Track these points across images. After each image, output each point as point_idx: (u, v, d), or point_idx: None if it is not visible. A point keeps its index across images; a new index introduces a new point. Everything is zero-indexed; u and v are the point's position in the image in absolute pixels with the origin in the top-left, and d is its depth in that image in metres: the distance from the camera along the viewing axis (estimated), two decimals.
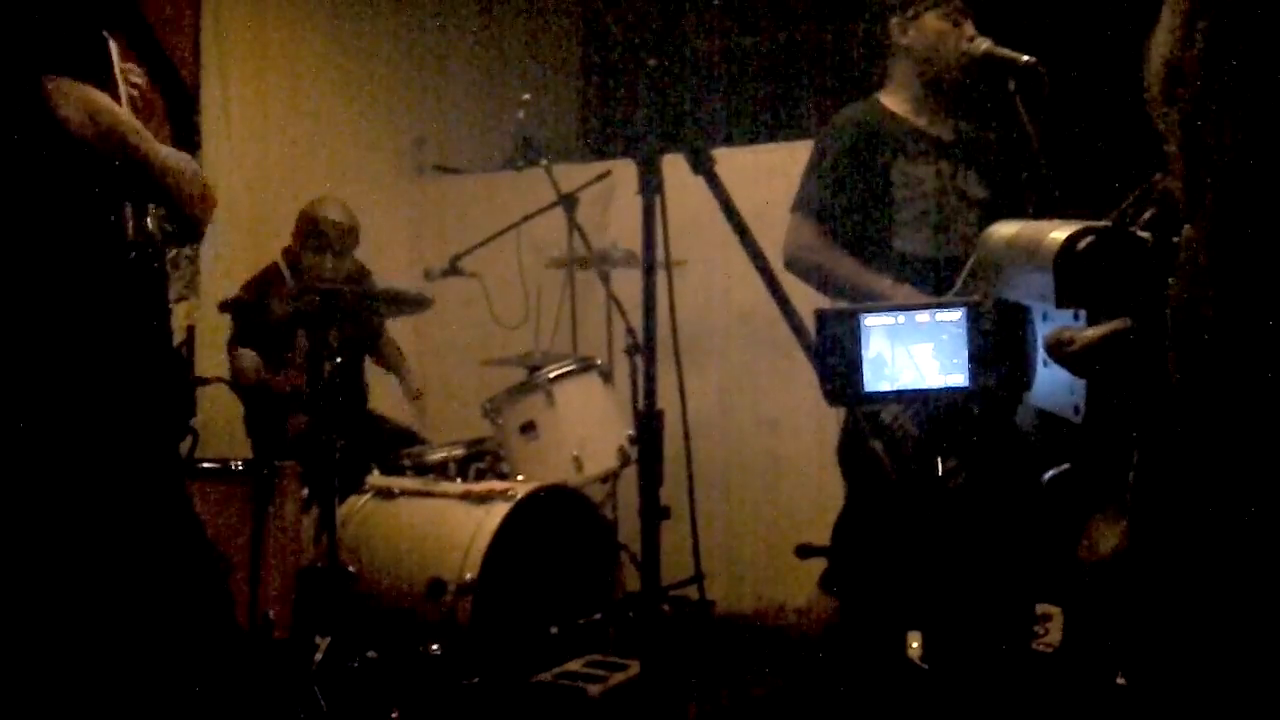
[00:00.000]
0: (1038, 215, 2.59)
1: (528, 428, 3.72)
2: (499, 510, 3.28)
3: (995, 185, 2.80)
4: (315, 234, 3.87)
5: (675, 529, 1.90)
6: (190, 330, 3.84)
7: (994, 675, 2.94)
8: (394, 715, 2.98)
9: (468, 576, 3.15)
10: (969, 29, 2.68)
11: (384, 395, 4.36)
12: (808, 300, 2.37)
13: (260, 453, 3.73)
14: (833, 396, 0.68)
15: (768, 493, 4.59)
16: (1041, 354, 0.70)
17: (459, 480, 3.58)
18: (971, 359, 0.70)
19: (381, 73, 5.09)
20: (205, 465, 3.04)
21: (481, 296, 4.49)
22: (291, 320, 3.63)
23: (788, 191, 2.82)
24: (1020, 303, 0.74)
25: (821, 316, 0.70)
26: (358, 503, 3.49)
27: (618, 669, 3.22)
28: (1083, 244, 0.65)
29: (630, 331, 4.03)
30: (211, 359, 3.84)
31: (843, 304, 3.00)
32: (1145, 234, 0.79)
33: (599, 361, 3.93)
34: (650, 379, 1.80)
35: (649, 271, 1.77)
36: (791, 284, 1.88)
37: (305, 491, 3.30)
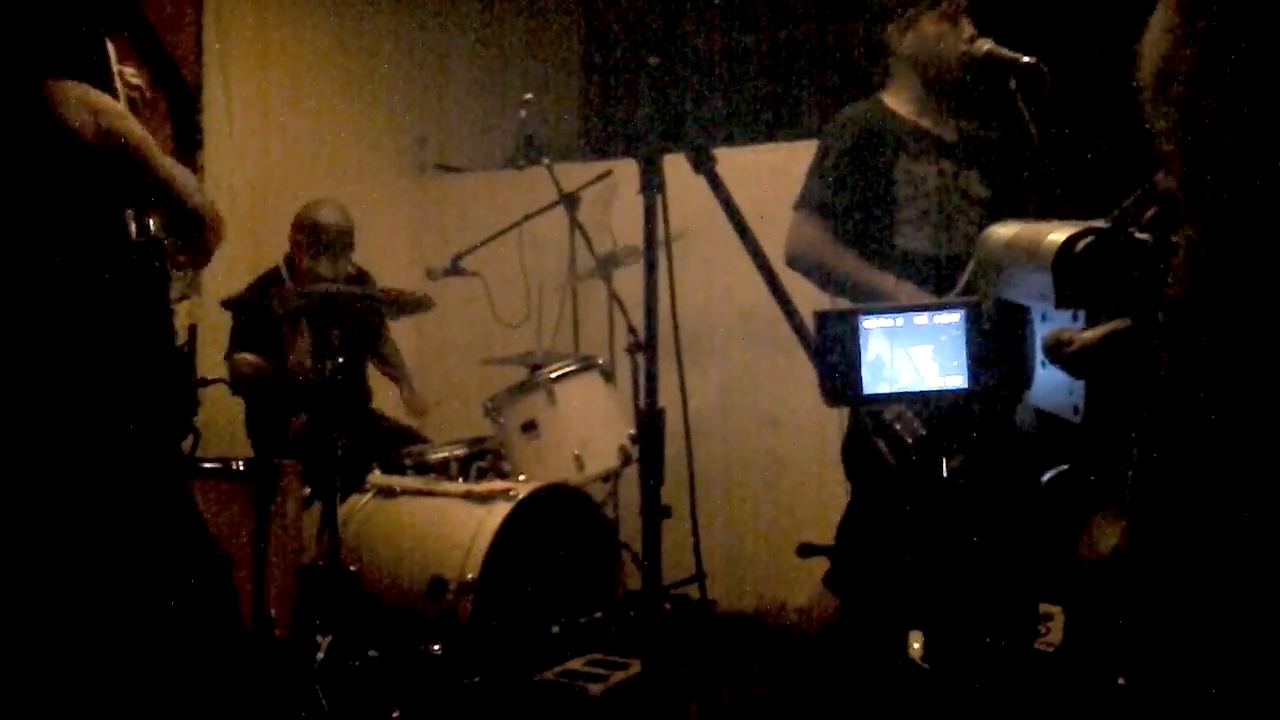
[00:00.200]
0: (1039, 215, 2.60)
1: (529, 427, 3.72)
2: (500, 509, 3.28)
3: (997, 185, 2.80)
4: (312, 237, 3.87)
5: (676, 528, 1.90)
6: (192, 329, 3.84)
7: (995, 675, 2.94)
8: (395, 714, 2.98)
9: (469, 576, 3.15)
10: (967, 28, 2.68)
11: (385, 395, 4.37)
12: (808, 299, 2.37)
13: (261, 452, 3.73)
14: (832, 398, 0.68)
15: (769, 492, 4.59)
16: (1041, 354, 0.70)
17: (460, 479, 3.58)
18: (970, 360, 0.70)
19: (383, 72, 5.09)
20: (207, 465, 3.04)
21: (483, 295, 4.50)
22: (293, 319, 3.64)
23: (789, 191, 2.82)
24: (1019, 303, 0.74)
25: (821, 318, 0.70)
26: (359, 502, 3.50)
27: (619, 668, 3.22)
28: (1082, 245, 0.65)
29: (632, 330, 4.03)
30: (213, 358, 3.84)
31: (843, 304, 3.00)
32: (1144, 235, 0.79)
33: (600, 361, 3.93)
34: (652, 378, 1.81)
35: (650, 270, 1.77)
36: (792, 283, 1.88)
37: (306, 490, 3.31)
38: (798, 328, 1.65)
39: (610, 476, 3.92)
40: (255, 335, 3.77)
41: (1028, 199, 2.77)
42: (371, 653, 3.12)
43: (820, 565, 2.87)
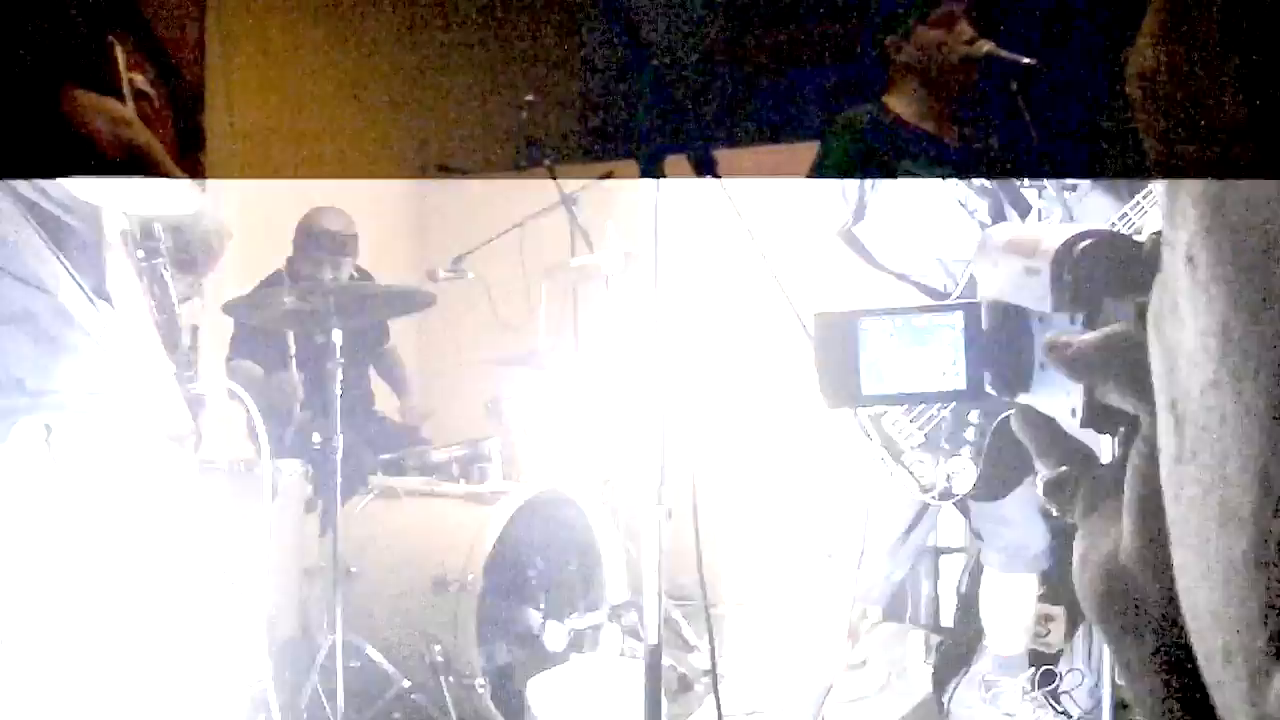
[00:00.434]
0: (1038, 218, 2.60)
1: (530, 428, 3.73)
2: (502, 511, 3.29)
3: (997, 188, 2.81)
4: (315, 243, 3.87)
5: (677, 529, 1.90)
6: (194, 330, 3.84)
7: (995, 676, 2.94)
8: (396, 716, 2.99)
9: (470, 577, 3.15)
10: (965, 29, 2.68)
11: (387, 396, 4.37)
12: (808, 301, 2.37)
13: (263, 453, 3.73)
14: (831, 399, 0.68)
15: (770, 493, 4.59)
16: (1039, 357, 0.70)
17: (462, 480, 3.58)
18: (969, 362, 0.70)
19: (384, 73, 5.10)
20: (208, 466, 3.04)
21: (484, 297, 4.50)
22: (294, 322, 3.64)
23: (789, 192, 2.82)
24: (1018, 305, 0.75)
25: (819, 319, 0.70)
26: (361, 503, 3.50)
27: (619, 669, 3.23)
28: (1080, 247, 0.65)
29: (633, 331, 4.03)
30: (215, 359, 3.85)
31: (842, 306, 3.00)
32: (1144, 237, 0.79)
33: (601, 362, 3.94)
34: (653, 379, 1.81)
35: (650, 272, 1.78)
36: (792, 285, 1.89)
37: (308, 491, 3.31)
38: (798, 327, 1.66)
39: (611, 477, 3.92)
40: (256, 339, 3.77)
41: (1026, 202, 2.78)
42: (373, 654, 3.12)
43: (823, 567, 2.87)
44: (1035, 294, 0.69)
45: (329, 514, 3.16)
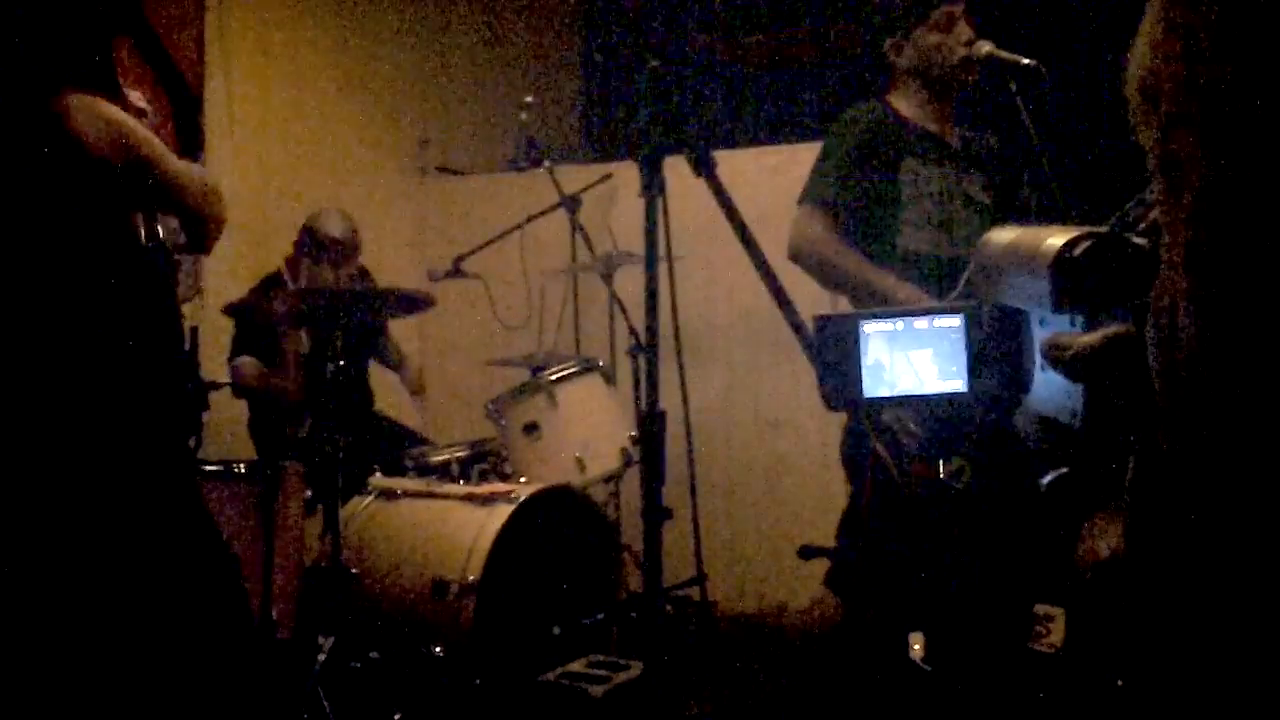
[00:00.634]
0: (1039, 219, 2.60)
1: (530, 428, 3.73)
2: (502, 511, 3.29)
3: (997, 190, 2.81)
4: (317, 245, 3.87)
5: (677, 530, 1.91)
6: (194, 331, 3.84)
7: (996, 676, 2.94)
8: (397, 716, 2.99)
9: (470, 577, 3.15)
10: (964, 30, 2.68)
11: (388, 396, 4.37)
12: (809, 300, 2.38)
13: (264, 454, 3.74)
14: (832, 401, 0.68)
15: (770, 493, 4.59)
16: (1039, 358, 0.71)
17: (462, 481, 3.58)
18: (970, 364, 0.70)
19: (385, 74, 5.10)
20: (209, 467, 3.04)
21: (484, 297, 4.51)
22: (294, 322, 3.64)
23: (789, 192, 2.82)
24: (1019, 307, 0.74)
25: (821, 321, 0.70)
26: (361, 503, 3.50)
27: (620, 669, 3.23)
28: (1080, 249, 0.66)
29: (633, 332, 4.04)
30: (214, 359, 3.85)
31: (844, 308, 3.00)
32: (1143, 239, 0.79)
33: (601, 363, 3.93)
34: (652, 380, 1.81)
35: (651, 272, 1.78)
36: (793, 284, 1.89)
37: (309, 492, 3.31)
38: (797, 328, 1.65)
39: (611, 478, 3.92)
40: (257, 339, 3.77)
41: (1028, 203, 2.78)
42: (373, 654, 3.12)
43: (821, 567, 2.88)
44: (1035, 294, 0.69)
45: (329, 514, 3.16)
